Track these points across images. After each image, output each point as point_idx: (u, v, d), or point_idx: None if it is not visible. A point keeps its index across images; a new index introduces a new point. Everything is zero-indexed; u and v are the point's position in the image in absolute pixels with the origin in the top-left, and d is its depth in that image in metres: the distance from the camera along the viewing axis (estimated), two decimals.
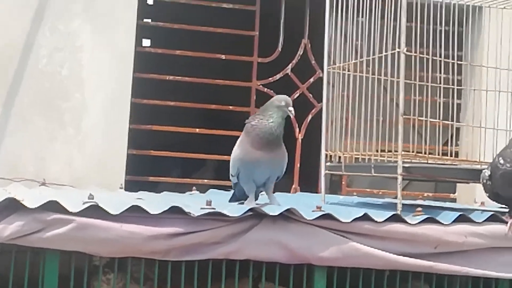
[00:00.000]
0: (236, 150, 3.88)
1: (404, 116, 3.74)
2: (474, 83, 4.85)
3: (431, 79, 4.17)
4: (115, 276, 3.51)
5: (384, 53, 3.90)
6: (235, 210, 3.52)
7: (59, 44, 5.21)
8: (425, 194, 5.88)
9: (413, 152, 3.88)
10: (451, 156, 4.18)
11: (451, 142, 5.26)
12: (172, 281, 3.53)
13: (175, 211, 3.43)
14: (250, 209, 3.51)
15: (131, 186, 5.25)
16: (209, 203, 3.52)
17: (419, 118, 3.86)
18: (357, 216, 3.55)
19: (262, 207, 3.56)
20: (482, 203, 4.53)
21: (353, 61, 4.32)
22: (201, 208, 3.48)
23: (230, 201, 4.04)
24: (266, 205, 3.75)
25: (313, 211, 3.61)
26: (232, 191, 4.11)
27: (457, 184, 5.88)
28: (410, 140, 4.02)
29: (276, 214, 3.50)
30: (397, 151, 3.86)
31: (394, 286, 3.71)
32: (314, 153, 5.66)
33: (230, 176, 3.97)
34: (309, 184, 5.97)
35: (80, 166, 5.17)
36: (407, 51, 3.80)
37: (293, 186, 5.78)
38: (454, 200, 5.94)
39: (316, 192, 5.72)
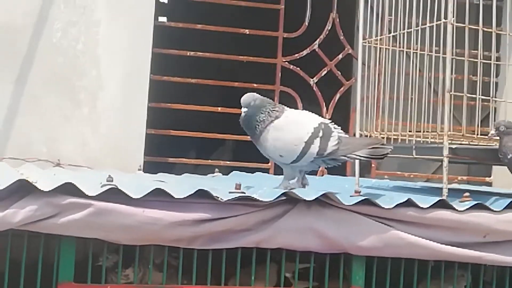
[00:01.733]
0: None
1: (451, 93, 3.43)
2: None
3: (467, 55, 3.87)
4: (137, 266, 3.23)
5: (428, 24, 3.58)
6: (266, 194, 3.25)
7: (74, 17, 4.98)
8: (459, 178, 5.59)
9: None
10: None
11: (489, 122, 4.95)
12: (198, 271, 3.26)
13: (202, 195, 3.16)
14: (283, 194, 3.23)
15: (148, 167, 4.99)
16: (238, 186, 3.24)
17: (469, 95, 3.55)
18: (400, 202, 3.26)
19: (296, 191, 3.27)
20: None
21: (391, 34, 4.01)
22: (230, 192, 3.21)
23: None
24: (299, 189, 3.46)
25: (351, 196, 3.33)
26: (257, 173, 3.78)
27: (493, 167, 5.58)
28: (446, 119, 3.72)
29: (312, 199, 3.22)
30: (434, 131, 3.60)
31: (438, 277, 3.43)
32: None
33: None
34: (336, 167, 5.67)
35: (95, 147, 4.94)
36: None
37: (320, 168, 5.47)
38: (489, 184, 5.65)
39: (344, 175, 5.46)
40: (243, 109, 3.57)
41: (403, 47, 4.01)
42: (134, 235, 3.10)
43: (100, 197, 3.04)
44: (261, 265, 3.32)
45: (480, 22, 3.71)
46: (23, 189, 3.04)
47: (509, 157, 3.49)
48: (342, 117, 5.77)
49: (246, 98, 3.59)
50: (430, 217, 3.28)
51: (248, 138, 3.70)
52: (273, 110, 3.57)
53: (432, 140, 3.61)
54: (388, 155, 3.61)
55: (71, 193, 3.04)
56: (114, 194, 3.07)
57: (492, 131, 3.54)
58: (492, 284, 3.57)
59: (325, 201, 3.27)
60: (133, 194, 3.07)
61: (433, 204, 3.29)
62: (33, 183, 3.04)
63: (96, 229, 3.05)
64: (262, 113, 3.54)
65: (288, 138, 3.54)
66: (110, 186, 3.07)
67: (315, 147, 3.51)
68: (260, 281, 3.32)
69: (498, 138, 3.55)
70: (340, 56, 5.67)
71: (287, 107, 3.71)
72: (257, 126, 3.54)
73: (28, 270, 3.18)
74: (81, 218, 3.01)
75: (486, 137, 3.61)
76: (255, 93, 3.64)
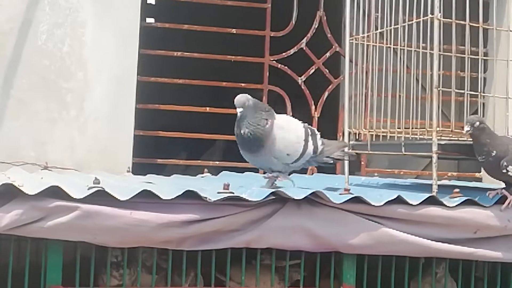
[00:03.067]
0: None
1: (439, 89, 3.41)
2: (501, 55, 4.55)
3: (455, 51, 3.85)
4: (125, 270, 3.20)
5: (415, 20, 3.56)
6: (255, 194, 3.22)
7: (59, 19, 4.91)
8: (449, 174, 5.59)
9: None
10: None
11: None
12: (188, 272, 3.23)
13: (190, 196, 3.13)
14: (272, 193, 3.20)
15: (137, 169, 4.96)
16: (226, 186, 3.21)
17: (457, 91, 3.53)
18: (390, 199, 3.24)
19: (285, 190, 3.24)
20: None
21: (377, 31, 4.00)
22: (218, 193, 3.18)
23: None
24: (289, 188, 3.43)
25: (340, 194, 3.30)
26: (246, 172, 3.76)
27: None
28: (434, 115, 3.70)
29: (301, 197, 3.20)
30: (423, 128, 3.58)
31: (429, 273, 3.41)
32: (330, 131, 5.38)
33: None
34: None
35: (83, 150, 4.89)
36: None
37: (309, 167, 5.45)
38: (479, 179, 5.63)
39: (334, 173, 5.44)
40: (239, 109, 3.52)
41: (390, 44, 3.99)
42: (121, 238, 3.06)
43: (86, 199, 3.01)
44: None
45: (467, 17, 3.69)
46: (9, 193, 3.01)
47: (488, 155, 3.36)
48: (330, 115, 5.77)
49: (240, 98, 3.55)
50: (420, 213, 3.27)
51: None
52: (268, 111, 3.55)
53: (421, 136, 3.59)
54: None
55: (58, 196, 3.01)
56: (101, 197, 3.04)
57: (467, 128, 3.33)
58: (484, 279, 3.56)
59: (315, 199, 3.25)
60: (120, 196, 3.04)
61: (423, 201, 3.28)
62: (19, 187, 3.00)
63: (83, 232, 3.02)
64: (258, 114, 3.51)
65: (292, 137, 3.58)
66: (96, 189, 3.04)
67: (311, 146, 3.58)
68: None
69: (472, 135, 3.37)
70: (328, 54, 5.63)
71: (276, 106, 3.70)
72: (258, 126, 3.49)
73: (16, 274, 3.15)
74: (68, 221, 2.98)
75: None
76: (247, 94, 3.60)
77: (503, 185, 3.46)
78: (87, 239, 3.06)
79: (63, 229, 2.98)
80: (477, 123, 3.35)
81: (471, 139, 3.42)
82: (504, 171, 3.34)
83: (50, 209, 2.97)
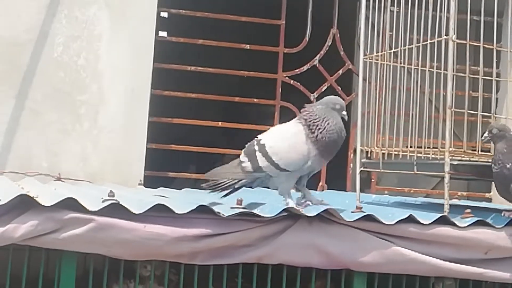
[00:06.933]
0: (299, 146, 3.43)
1: (453, 109, 3.43)
2: None
3: (468, 71, 3.87)
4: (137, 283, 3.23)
5: (429, 41, 3.58)
6: (268, 210, 3.24)
7: (75, 32, 4.96)
8: (459, 193, 5.59)
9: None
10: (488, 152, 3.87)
11: None
12: (199, 287, 3.25)
13: (203, 211, 3.15)
14: (285, 209, 3.22)
15: (148, 181, 4.98)
16: (239, 202, 3.23)
17: (470, 111, 3.55)
18: (402, 218, 3.25)
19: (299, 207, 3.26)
20: None
21: (392, 50, 4.02)
22: (231, 208, 3.20)
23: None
24: (305, 204, 3.45)
25: (352, 212, 3.32)
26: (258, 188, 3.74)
27: (493, 183, 5.56)
28: (447, 135, 3.72)
29: (313, 215, 3.22)
30: (435, 148, 3.60)
31: None
32: (341, 148, 5.37)
33: (273, 168, 3.43)
34: (336, 182, 5.68)
35: (95, 161, 4.92)
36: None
37: (320, 183, 5.48)
38: (489, 200, 5.64)
39: (344, 190, 5.46)
40: (345, 112, 3.58)
41: (404, 63, 4.01)
42: (135, 251, 3.09)
43: (101, 212, 3.04)
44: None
45: (481, 38, 3.72)
46: (24, 204, 3.04)
47: (503, 166, 3.33)
48: None
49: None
50: (431, 233, 3.27)
51: None
52: None
53: (433, 156, 3.60)
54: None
55: (73, 208, 3.03)
56: (115, 209, 3.06)
57: (485, 134, 3.38)
58: None
59: (327, 217, 3.26)
60: (134, 209, 3.07)
61: (435, 221, 3.28)
62: (34, 198, 3.03)
63: (97, 244, 3.04)
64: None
65: None
66: (111, 201, 3.06)
67: None
68: None
69: (491, 142, 3.40)
70: (340, 71, 5.66)
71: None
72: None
73: (29, 285, 3.17)
74: (83, 233, 3.00)
75: (487, 153, 3.59)
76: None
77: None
78: (101, 251, 3.09)
79: (78, 241, 3.01)
80: (495, 130, 3.35)
81: (483, 160, 3.43)
82: None
83: (65, 221, 3.00)
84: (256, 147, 3.45)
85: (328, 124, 3.44)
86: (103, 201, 3.07)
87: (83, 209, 3.03)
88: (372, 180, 5.69)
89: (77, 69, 4.94)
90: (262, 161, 3.42)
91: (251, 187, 3.61)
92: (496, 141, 3.38)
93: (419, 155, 3.66)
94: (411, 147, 3.84)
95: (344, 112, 3.55)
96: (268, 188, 3.60)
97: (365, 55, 4.12)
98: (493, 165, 3.40)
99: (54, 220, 3.00)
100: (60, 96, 4.90)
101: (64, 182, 4.64)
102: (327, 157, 3.52)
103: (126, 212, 3.06)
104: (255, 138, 3.54)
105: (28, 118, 4.86)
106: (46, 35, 4.90)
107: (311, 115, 3.45)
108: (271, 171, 3.42)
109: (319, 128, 3.42)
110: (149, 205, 3.09)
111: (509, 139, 3.38)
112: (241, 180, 3.48)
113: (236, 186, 3.50)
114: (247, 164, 3.44)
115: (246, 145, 3.55)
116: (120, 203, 3.07)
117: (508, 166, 3.35)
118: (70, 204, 3.04)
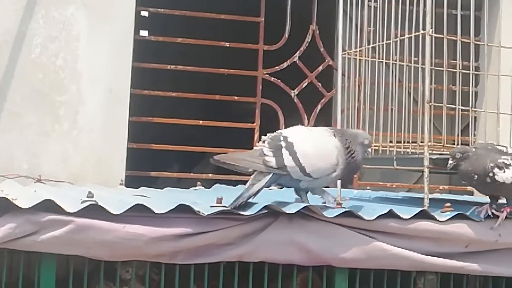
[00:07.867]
0: (329, 157, 3.37)
1: (430, 104, 3.44)
2: (492, 70, 4.59)
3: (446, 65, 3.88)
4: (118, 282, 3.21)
5: (407, 35, 3.59)
6: (248, 208, 3.23)
7: (53, 32, 4.93)
8: (441, 187, 5.61)
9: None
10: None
11: (469, 131, 4.96)
12: (180, 286, 3.24)
13: (183, 210, 3.14)
14: (265, 207, 3.22)
15: (130, 181, 4.96)
16: (219, 200, 3.22)
17: (448, 106, 3.56)
18: (382, 213, 3.26)
19: (278, 204, 3.26)
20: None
21: (370, 45, 4.02)
22: (211, 206, 3.19)
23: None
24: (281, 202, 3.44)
25: (333, 208, 3.31)
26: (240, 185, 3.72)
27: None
28: (426, 130, 3.73)
29: (293, 211, 3.21)
30: (414, 142, 3.61)
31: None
32: None
33: (297, 170, 3.33)
34: None
35: (76, 162, 4.89)
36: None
37: None
38: (471, 193, 5.65)
39: (327, 186, 5.45)
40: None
41: (383, 58, 4.02)
42: (115, 251, 3.08)
43: (80, 213, 3.02)
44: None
45: (458, 32, 3.73)
46: (2, 207, 3.02)
47: (476, 178, 3.34)
48: None
49: None
50: (412, 228, 3.28)
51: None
52: None
53: (413, 150, 3.61)
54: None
55: (51, 210, 3.02)
56: (94, 210, 3.05)
57: (450, 161, 3.35)
58: None
59: (307, 213, 3.26)
60: (113, 210, 3.06)
61: (415, 215, 3.29)
62: (13, 201, 3.01)
63: (76, 246, 3.03)
64: None
65: None
66: (90, 202, 3.05)
67: None
68: None
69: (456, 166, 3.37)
70: (321, 67, 5.65)
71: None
72: None
73: None
74: (61, 235, 2.99)
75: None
76: None
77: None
78: (80, 253, 3.08)
79: (57, 242, 2.99)
80: (458, 154, 3.35)
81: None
82: (491, 174, 3.31)
83: (43, 223, 2.98)
84: (283, 143, 3.35)
85: (356, 152, 3.41)
86: (82, 202, 3.06)
87: (61, 211, 3.02)
88: (355, 176, 5.69)
89: (55, 70, 4.91)
90: (288, 160, 3.32)
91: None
92: (460, 164, 3.36)
93: (399, 150, 3.67)
94: (391, 142, 3.85)
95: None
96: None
97: (344, 51, 4.13)
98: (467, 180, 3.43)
99: (32, 223, 2.98)
100: (39, 97, 4.87)
101: (45, 183, 4.62)
102: (340, 179, 3.60)
103: (105, 213, 3.05)
104: (278, 133, 3.42)
105: (8, 120, 4.83)
106: (24, 36, 4.87)
107: (346, 138, 3.41)
108: (295, 172, 3.34)
109: (351, 152, 3.39)
110: (128, 206, 3.07)
111: (472, 155, 3.35)
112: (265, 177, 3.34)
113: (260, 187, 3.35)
114: (271, 159, 3.32)
115: (267, 138, 3.40)
116: (99, 204, 3.05)
117: (475, 178, 3.33)
118: (49, 206, 3.03)
